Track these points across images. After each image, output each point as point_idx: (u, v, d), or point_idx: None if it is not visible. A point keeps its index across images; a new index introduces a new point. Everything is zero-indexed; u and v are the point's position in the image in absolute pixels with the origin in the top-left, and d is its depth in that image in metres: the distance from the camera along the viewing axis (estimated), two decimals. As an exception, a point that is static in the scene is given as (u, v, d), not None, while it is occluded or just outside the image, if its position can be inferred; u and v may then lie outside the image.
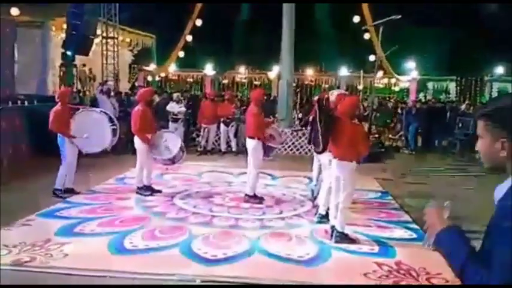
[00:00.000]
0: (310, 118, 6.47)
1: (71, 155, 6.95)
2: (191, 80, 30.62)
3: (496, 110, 1.56)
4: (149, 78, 26.53)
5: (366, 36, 22.94)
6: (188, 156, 11.34)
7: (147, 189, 6.97)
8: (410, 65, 26.65)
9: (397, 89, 28.50)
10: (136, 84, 24.67)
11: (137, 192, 6.93)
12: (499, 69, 26.69)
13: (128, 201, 6.71)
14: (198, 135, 12.62)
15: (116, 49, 15.30)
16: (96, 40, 17.17)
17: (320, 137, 5.14)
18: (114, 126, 7.06)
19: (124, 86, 18.42)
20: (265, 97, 8.74)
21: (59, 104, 7.08)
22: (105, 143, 6.97)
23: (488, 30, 23.28)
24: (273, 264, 4.61)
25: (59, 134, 7.00)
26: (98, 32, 14.36)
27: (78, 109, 7.22)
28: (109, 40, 15.01)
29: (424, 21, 23.96)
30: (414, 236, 5.72)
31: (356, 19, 22.67)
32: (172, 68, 28.11)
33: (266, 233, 5.52)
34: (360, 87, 24.88)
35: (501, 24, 21.63)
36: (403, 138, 14.46)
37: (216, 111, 11.61)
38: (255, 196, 6.86)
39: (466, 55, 24.53)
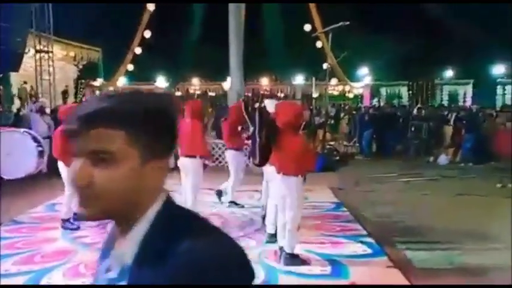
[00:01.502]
0: (251, 129, 6.03)
1: None
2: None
3: None
4: (97, 93, 25.50)
5: (319, 44, 22.92)
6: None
7: (74, 221, 6.18)
8: (363, 71, 26.93)
9: (351, 95, 28.71)
10: (83, 100, 23.65)
11: (63, 227, 6.07)
12: (449, 73, 27.34)
13: (53, 232, 5.97)
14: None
15: (50, 63, 14.35)
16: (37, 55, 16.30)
17: (258, 148, 4.62)
18: (40, 148, 6.33)
19: (70, 103, 17.48)
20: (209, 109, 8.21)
21: None
22: (29, 166, 6.22)
23: (438, 34, 23.76)
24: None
25: None
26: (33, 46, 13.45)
27: None
28: (43, 54, 14.04)
29: (375, 27, 24.21)
30: (368, 251, 5.31)
31: (307, 27, 22.59)
32: (121, 81, 27.23)
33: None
34: (315, 95, 24.88)
35: (451, 27, 22.10)
36: (357, 144, 14.27)
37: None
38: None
39: (416, 60, 24.95)
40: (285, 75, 26.66)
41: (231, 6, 12.58)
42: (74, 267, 4.71)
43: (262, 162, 4.84)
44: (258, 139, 4.62)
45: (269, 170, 5.38)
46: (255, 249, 5.32)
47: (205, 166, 6.44)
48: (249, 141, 6.28)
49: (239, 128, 7.01)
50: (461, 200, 7.98)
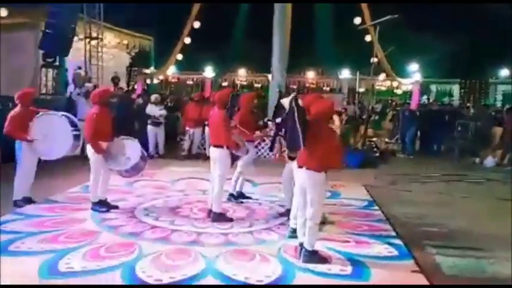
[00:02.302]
0: (279, 120, 5.87)
1: (28, 162, 6.42)
2: (191, 82, 30.16)
3: None
4: (148, 81, 26.07)
5: (367, 38, 22.28)
6: (171, 161, 10.91)
7: (103, 205, 6.29)
8: (413, 67, 26.00)
9: (399, 91, 27.83)
10: (135, 87, 24.22)
11: (92, 209, 6.23)
12: (504, 72, 25.96)
13: (83, 213, 6.12)
14: (181, 139, 12.04)
15: (99, 50, 14.72)
16: (93, 42, 16.82)
17: (300, 136, 4.45)
18: (76, 132, 6.46)
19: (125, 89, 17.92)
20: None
21: (19, 106, 6.58)
22: (65, 149, 6.36)
23: (493, 32, 22.57)
24: (225, 290, 4.01)
25: (16, 140, 6.50)
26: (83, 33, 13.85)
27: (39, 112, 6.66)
28: (92, 41, 14.43)
29: (426, 23, 23.29)
30: (395, 253, 5.09)
31: (357, 20, 21.97)
32: (171, 70, 27.65)
33: (228, 251, 4.91)
34: (361, 89, 24.28)
35: (507, 24, 20.92)
36: (399, 142, 13.80)
37: (201, 114, 10.98)
38: (222, 214, 6.10)
39: (470, 57, 23.82)
40: (331, 69, 26.14)
41: (277, 6, 12.51)
42: (95, 249, 4.79)
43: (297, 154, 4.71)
44: (298, 127, 4.46)
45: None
46: (276, 244, 5.23)
47: (236, 157, 6.38)
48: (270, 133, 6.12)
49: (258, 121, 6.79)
50: (502, 206, 7.52)
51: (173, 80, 30.11)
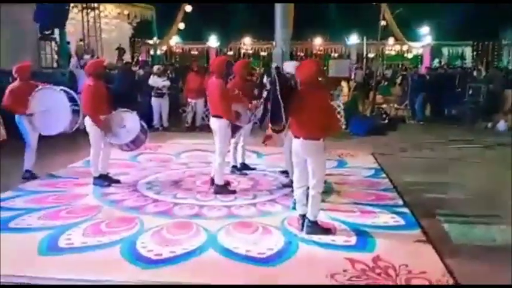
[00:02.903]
0: (264, 94, 5.70)
1: (30, 135, 6.35)
2: (196, 52, 29.75)
3: None
4: (151, 52, 25.75)
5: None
6: (174, 134, 10.79)
7: (104, 179, 6.20)
8: (424, 30, 25.31)
9: (410, 56, 27.26)
10: (140, 58, 23.94)
11: (94, 183, 6.15)
12: (518, 33, 25.19)
13: (85, 188, 6.05)
14: (184, 111, 11.88)
15: (97, 21, 14.39)
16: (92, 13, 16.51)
17: (282, 107, 4.25)
18: (75, 107, 6.30)
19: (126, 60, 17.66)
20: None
21: (17, 79, 6.46)
22: (63, 124, 6.22)
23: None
24: (226, 264, 3.92)
25: (16, 114, 6.41)
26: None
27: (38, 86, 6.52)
28: (89, 11, 14.10)
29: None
30: (401, 222, 4.96)
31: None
32: (175, 40, 27.26)
33: (230, 223, 4.82)
34: (370, 55, 23.76)
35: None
36: (409, 107, 13.51)
37: (202, 84, 10.74)
38: (224, 186, 5.98)
39: (482, 19, 23.03)
40: (338, 35, 25.56)
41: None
42: (96, 224, 4.72)
43: (283, 127, 4.49)
44: (280, 100, 4.26)
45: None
46: (280, 215, 5.13)
47: (237, 127, 6.21)
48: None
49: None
50: (515, 171, 7.32)
51: (177, 51, 29.80)
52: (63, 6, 11.16)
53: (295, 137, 4.49)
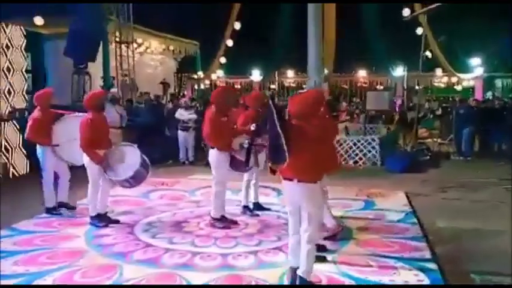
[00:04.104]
0: (252, 127, 5.12)
1: (50, 167, 6.17)
2: (239, 86, 29.74)
3: None
4: (195, 86, 26.00)
5: (419, 31, 20.76)
6: (197, 169, 10.32)
7: (102, 219, 5.76)
8: (475, 61, 24.03)
9: (459, 88, 25.88)
10: (185, 92, 24.15)
11: (90, 223, 5.73)
12: None
13: (80, 229, 5.62)
14: (205, 145, 11.44)
15: (130, 54, 14.46)
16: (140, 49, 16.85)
17: (284, 144, 3.62)
18: None
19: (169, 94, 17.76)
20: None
21: (37, 108, 6.29)
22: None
23: None
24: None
25: (38, 145, 6.20)
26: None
27: (63, 115, 6.29)
28: (123, 45, 14.22)
29: (487, 11, 21.36)
30: (425, 281, 4.14)
31: (406, 12, 20.53)
32: (218, 74, 27.40)
33: (219, 277, 4.19)
34: (418, 87, 22.70)
35: None
36: (454, 142, 12.43)
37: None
38: (221, 219, 5.53)
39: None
40: (384, 67, 24.73)
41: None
42: (71, 273, 4.24)
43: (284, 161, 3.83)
44: (279, 132, 3.64)
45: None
46: (280, 267, 4.41)
47: (239, 161, 5.65)
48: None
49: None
50: None
51: (221, 85, 29.92)
52: (93, 40, 11.20)
53: (286, 179, 3.84)
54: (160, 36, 18.82)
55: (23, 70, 10.38)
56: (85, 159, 5.66)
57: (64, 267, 4.37)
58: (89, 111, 5.71)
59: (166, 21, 18.65)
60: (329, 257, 4.68)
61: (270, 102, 3.79)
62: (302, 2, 12.70)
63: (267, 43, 24.22)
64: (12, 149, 9.05)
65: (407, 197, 7.43)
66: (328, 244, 5.02)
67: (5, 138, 8.96)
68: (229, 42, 23.39)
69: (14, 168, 8.92)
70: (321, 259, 4.54)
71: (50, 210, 6.21)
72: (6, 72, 9.80)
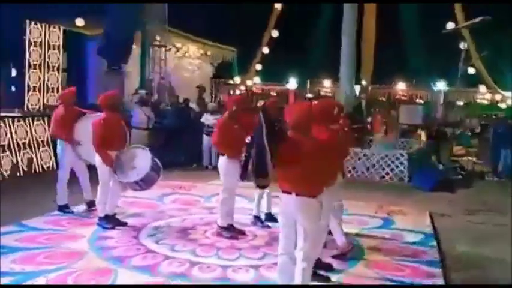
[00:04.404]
0: (247, 140, 4.94)
1: (67, 164, 6.27)
2: (275, 93, 29.60)
3: None
4: (231, 92, 26.04)
5: (462, 45, 20.01)
6: (217, 175, 10.17)
7: (110, 221, 5.71)
8: (521, 78, 22.96)
9: (503, 106, 24.78)
10: (221, 98, 24.25)
11: (98, 224, 5.69)
12: None
13: (87, 229, 5.59)
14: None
15: (163, 57, 14.58)
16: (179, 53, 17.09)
17: (267, 158, 3.46)
18: None
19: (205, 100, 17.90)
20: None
21: (61, 105, 6.43)
22: None
23: None
24: None
25: (58, 141, 6.34)
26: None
27: (85, 113, 6.34)
28: (162, 49, 14.37)
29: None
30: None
31: (450, 25, 19.83)
32: (254, 81, 27.39)
33: (214, 290, 4.04)
34: (460, 102, 21.91)
35: None
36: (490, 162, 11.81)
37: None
38: (228, 228, 5.40)
39: None
40: (423, 80, 23.99)
41: (346, 6, 11.49)
42: (65, 275, 4.18)
43: (267, 182, 3.66)
44: (267, 148, 3.47)
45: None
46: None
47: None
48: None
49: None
50: None
51: (258, 92, 29.89)
52: (126, 42, 11.32)
53: (284, 191, 3.65)
54: (198, 42, 18.99)
55: (59, 68, 10.66)
56: (97, 160, 5.65)
57: (59, 269, 4.31)
58: (104, 111, 5.69)
59: (205, 27, 18.79)
60: (334, 278, 4.45)
61: (261, 114, 3.60)
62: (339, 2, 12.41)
63: (304, 51, 23.96)
64: (39, 144, 9.24)
65: (431, 217, 7.05)
66: (335, 263, 4.79)
67: (32, 134, 9.15)
68: (266, 50, 23.30)
69: (39, 164, 9.07)
70: (324, 279, 4.32)
71: (61, 208, 6.24)
72: (42, 70, 10.07)
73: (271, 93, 29.67)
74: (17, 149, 8.69)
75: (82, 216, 6.13)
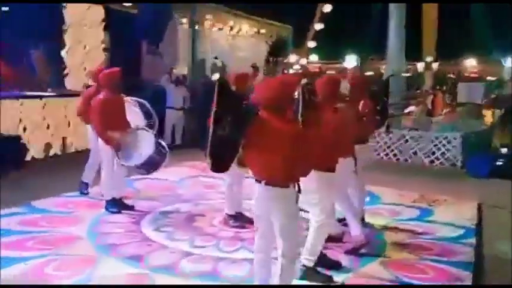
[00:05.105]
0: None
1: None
2: (333, 72, 28.52)
3: None
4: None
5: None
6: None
7: (116, 205, 5.44)
8: None
9: None
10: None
11: (105, 208, 5.44)
12: None
13: (91, 212, 5.38)
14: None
15: (196, 36, 14.08)
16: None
17: (228, 145, 2.95)
18: (151, 121, 5.66)
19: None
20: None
21: (94, 85, 5.95)
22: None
23: None
24: None
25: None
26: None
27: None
28: (215, 28, 14.03)
29: None
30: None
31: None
32: (309, 59, 26.50)
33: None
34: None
35: None
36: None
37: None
38: (236, 216, 5.01)
39: None
40: (493, 55, 21.98)
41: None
42: (44, 262, 3.94)
43: (220, 166, 3.11)
44: (226, 132, 2.94)
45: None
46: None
47: None
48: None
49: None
50: None
51: (315, 70, 28.95)
52: (160, 21, 11.02)
53: (257, 180, 3.13)
54: (252, 19, 18.50)
55: (101, 48, 10.62)
56: (100, 142, 5.38)
57: (46, 255, 4.09)
58: (104, 90, 5.36)
59: (258, 4, 18.28)
60: (339, 277, 3.89)
61: (218, 87, 3.05)
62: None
63: (356, 28, 22.74)
64: (74, 124, 9.21)
65: (479, 209, 6.20)
66: (346, 260, 4.22)
67: (68, 115, 9.13)
68: (318, 26, 22.22)
69: (72, 144, 9.06)
70: (325, 279, 3.79)
71: (81, 188, 6.05)
72: (83, 49, 10.02)
73: (328, 72, 28.67)
74: (52, 128, 8.71)
75: (96, 199, 5.88)
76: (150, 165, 5.29)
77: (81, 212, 5.38)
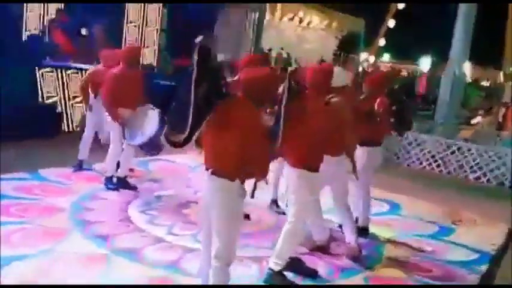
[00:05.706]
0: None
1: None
2: (406, 74, 27.16)
3: None
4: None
5: None
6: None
7: (116, 182, 5.34)
8: None
9: None
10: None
11: (104, 184, 5.36)
12: None
13: (87, 186, 5.36)
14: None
15: (290, 28, 13.84)
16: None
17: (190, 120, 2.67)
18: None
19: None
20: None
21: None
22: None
23: None
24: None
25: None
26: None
27: None
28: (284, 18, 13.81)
29: None
30: None
31: None
32: (385, 58, 25.48)
33: (153, 277, 3.45)
34: None
35: None
36: None
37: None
38: None
39: None
40: None
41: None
42: (14, 230, 3.93)
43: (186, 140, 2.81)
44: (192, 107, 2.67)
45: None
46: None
47: None
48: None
49: None
50: None
51: (385, 70, 27.75)
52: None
53: (206, 169, 2.85)
54: (323, 12, 18.00)
55: (157, 28, 10.66)
56: (108, 118, 5.33)
57: (18, 223, 4.10)
58: (121, 63, 5.20)
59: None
60: (309, 287, 3.55)
61: (195, 62, 2.76)
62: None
63: (436, 25, 21.33)
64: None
65: (510, 235, 5.49)
66: (326, 269, 3.86)
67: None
68: (391, 23, 21.08)
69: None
70: (285, 283, 3.47)
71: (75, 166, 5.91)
72: (140, 29, 10.07)
73: (402, 72, 27.33)
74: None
75: (100, 174, 5.82)
76: (152, 146, 5.11)
77: (79, 185, 5.36)
